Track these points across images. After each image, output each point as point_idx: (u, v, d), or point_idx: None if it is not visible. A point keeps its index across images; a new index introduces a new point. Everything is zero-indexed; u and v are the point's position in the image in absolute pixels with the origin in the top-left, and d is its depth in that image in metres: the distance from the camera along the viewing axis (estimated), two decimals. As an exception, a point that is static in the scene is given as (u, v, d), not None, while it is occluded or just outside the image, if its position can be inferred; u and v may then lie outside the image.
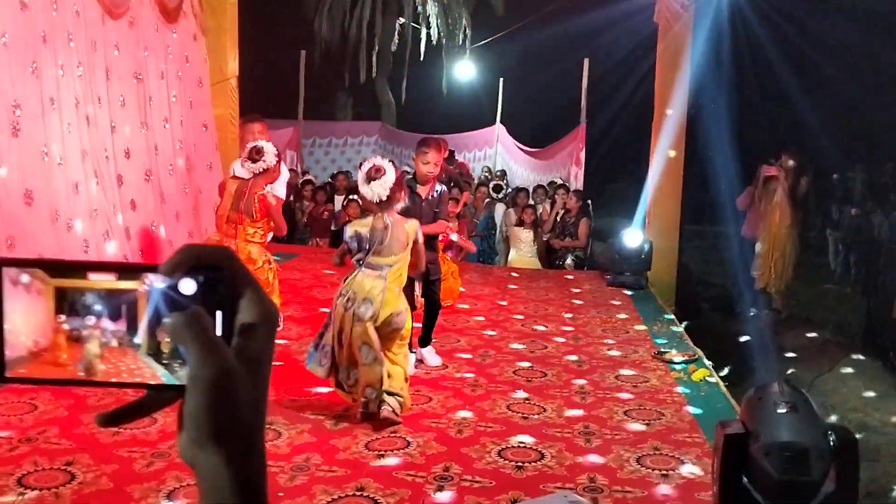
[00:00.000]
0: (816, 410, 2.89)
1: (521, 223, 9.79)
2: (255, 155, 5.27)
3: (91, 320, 0.62)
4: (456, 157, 14.39)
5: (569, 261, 9.52)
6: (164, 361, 0.62)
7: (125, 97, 7.12)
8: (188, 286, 0.61)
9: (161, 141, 7.66)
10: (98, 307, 0.62)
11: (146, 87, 7.45)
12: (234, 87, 9.24)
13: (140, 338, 0.62)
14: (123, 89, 7.11)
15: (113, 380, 0.63)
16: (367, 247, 4.21)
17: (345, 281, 4.27)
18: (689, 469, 3.77)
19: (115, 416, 0.64)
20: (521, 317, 6.89)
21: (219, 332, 0.62)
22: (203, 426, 0.61)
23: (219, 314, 0.62)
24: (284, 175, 6.18)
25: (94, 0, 6.62)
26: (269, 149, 5.33)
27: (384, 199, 4.21)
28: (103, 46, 6.79)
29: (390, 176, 4.22)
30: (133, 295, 0.62)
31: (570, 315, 7.02)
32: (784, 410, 2.82)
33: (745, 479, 2.81)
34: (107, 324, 0.62)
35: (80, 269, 0.62)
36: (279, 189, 6.05)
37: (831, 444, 2.79)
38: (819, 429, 2.80)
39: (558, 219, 9.92)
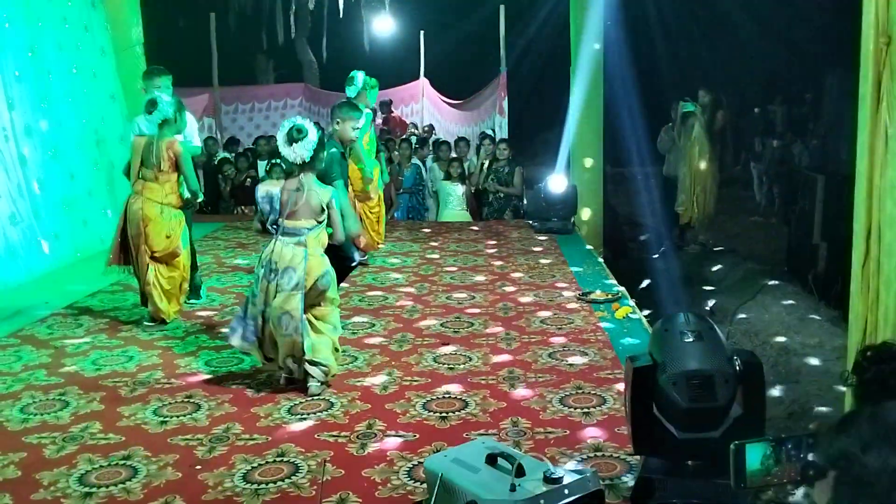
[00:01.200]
0: (721, 338, 2.92)
1: (448, 177, 9.70)
2: (150, 107, 5.10)
3: None
4: (393, 111, 14.20)
5: (507, 214, 9.48)
6: None
7: (20, 72, 6.80)
8: None
9: (64, 116, 7.36)
10: None
11: (43, 61, 7.13)
12: (141, 54, 8.90)
13: None
14: (18, 64, 6.79)
15: None
16: (279, 209, 4.09)
17: (263, 249, 4.13)
18: (611, 405, 3.82)
19: None
20: (450, 269, 6.87)
21: None
22: None
23: None
24: (193, 124, 5.87)
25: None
26: (164, 100, 5.12)
27: (306, 160, 4.07)
28: (-9, 20, 6.46)
29: (312, 136, 4.05)
30: None
31: (498, 263, 7.03)
32: (690, 340, 2.84)
33: (655, 410, 2.84)
34: None
35: None
36: (192, 139, 5.79)
37: (737, 369, 2.82)
38: (724, 355, 2.83)
39: (484, 168, 9.83)
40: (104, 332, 5.15)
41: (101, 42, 8.20)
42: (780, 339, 6.27)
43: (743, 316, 6.84)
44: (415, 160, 10.11)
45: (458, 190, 9.64)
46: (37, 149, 6.90)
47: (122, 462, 3.30)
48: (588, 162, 9.08)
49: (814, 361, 5.86)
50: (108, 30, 8.35)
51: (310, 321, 4.01)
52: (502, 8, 11.59)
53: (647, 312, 5.55)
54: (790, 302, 7.10)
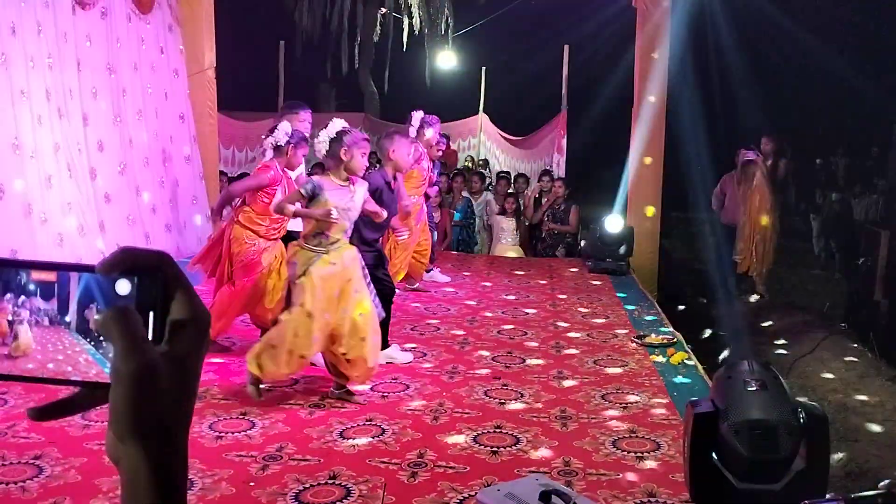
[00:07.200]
0: (786, 388, 2.87)
1: (503, 211, 9.74)
2: (268, 131, 5.07)
3: (23, 299, 0.65)
4: (449, 145, 14.28)
5: (560, 250, 9.47)
6: (92, 340, 0.65)
7: (98, 89, 7.03)
8: (123, 286, 0.64)
9: (135, 133, 7.58)
10: (31, 287, 0.65)
11: (119, 79, 7.37)
12: (212, 77, 9.14)
13: (70, 316, 0.65)
14: (96, 81, 7.02)
15: (46, 375, 0.65)
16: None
17: None
18: (665, 451, 3.76)
19: (44, 411, 0.66)
20: (501, 304, 6.86)
21: (150, 331, 0.64)
22: (123, 420, 0.62)
23: (151, 314, 0.64)
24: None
25: (64, -10, 6.53)
26: (282, 126, 5.00)
27: (322, 152, 4.15)
28: (74, 38, 6.70)
29: (331, 129, 4.11)
30: (66, 278, 0.65)
31: (550, 301, 7.00)
32: (753, 388, 2.80)
33: (715, 458, 2.79)
34: (38, 302, 0.65)
35: (21, 267, 0.65)
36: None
37: (801, 421, 2.77)
38: (788, 406, 2.78)
39: (542, 203, 9.83)
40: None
41: (175, 64, 8.45)
42: (839, 395, 6.10)
43: (801, 369, 6.68)
44: (465, 193, 10.16)
45: (511, 225, 9.67)
46: (106, 164, 7.11)
47: (178, 474, 3.34)
48: (646, 204, 9.02)
49: (874, 420, 5.69)
50: (182, 53, 8.60)
51: None
52: (567, 48, 11.66)
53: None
54: (849, 358, 6.90)
